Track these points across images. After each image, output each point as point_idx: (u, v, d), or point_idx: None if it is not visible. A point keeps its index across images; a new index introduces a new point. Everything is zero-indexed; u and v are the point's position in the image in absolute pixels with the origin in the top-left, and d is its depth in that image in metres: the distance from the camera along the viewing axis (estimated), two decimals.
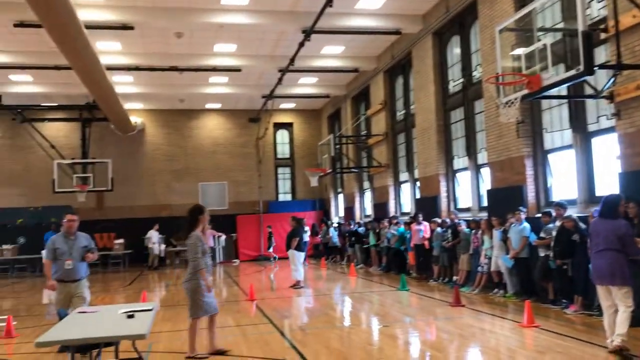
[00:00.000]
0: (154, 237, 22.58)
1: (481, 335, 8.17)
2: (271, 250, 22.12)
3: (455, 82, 15.11)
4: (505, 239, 11.15)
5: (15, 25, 14.11)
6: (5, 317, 9.61)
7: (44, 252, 20.73)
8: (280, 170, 27.31)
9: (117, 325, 5.03)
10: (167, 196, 25.39)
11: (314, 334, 8.51)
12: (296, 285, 14.08)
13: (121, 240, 23.46)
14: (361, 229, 19.46)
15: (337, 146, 19.71)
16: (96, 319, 5.36)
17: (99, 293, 15.47)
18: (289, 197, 27.23)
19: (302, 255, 14.49)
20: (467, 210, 14.39)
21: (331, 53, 18.61)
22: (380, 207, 19.17)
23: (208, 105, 25.45)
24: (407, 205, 18.08)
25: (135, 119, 24.35)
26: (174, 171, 25.58)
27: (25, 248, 22.17)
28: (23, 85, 20.33)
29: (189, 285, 7.06)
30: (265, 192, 26.25)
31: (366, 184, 21.79)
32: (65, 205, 23.91)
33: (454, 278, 13.19)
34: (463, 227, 12.86)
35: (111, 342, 5.01)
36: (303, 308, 11.43)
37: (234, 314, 10.61)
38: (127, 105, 23.09)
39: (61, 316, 5.57)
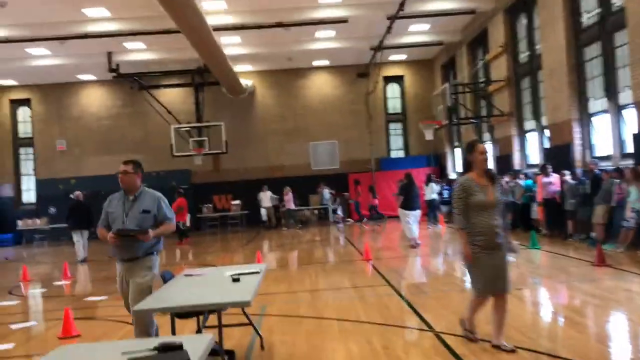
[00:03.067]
0: (264, 198, 22.70)
1: (631, 300, 6.99)
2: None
3: (589, 14, 13.26)
4: None
5: None
6: None
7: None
8: (391, 125, 26.30)
9: (221, 290, 4.58)
10: (279, 157, 25.38)
11: (436, 297, 7.76)
12: (411, 244, 13.33)
13: (238, 202, 23.86)
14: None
15: (453, 96, 18.35)
16: (200, 282, 4.97)
17: (218, 252, 15.71)
18: (401, 154, 26.24)
19: (410, 213, 13.26)
20: (607, 158, 12.73)
21: None
22: (504, 160, 17.72)
23: (315, 63, 24.87)
24: (534, 156, 16.52)
25: (245, 82, 24.35)
26: (284, 131, 25.45)
27: None
28: (137, 53, 20.84)
29: (459, 250, 5.49)
30: (377, 149, 25.42)
31: (486, 136, 20.27)
32: (184, 169, 24.74)
33: (592, 234, 11.77)
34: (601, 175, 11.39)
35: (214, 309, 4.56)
36: (421, 268, 10.68)
37: (350, 275, 10.08)
38: (237, 68, 23.05)
39: (165, 279, 5.23)
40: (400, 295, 7.94)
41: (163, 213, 5.15)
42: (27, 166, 25.68)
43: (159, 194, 5.26)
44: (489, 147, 19.80)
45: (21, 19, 16.58)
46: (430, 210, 18.64)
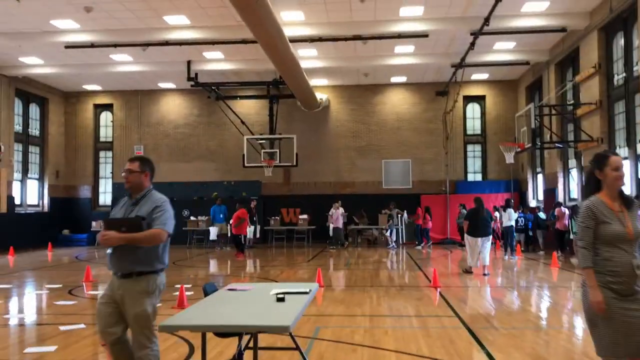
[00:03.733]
0: (334, 214, 22.18)
1: None
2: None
3: None
4: None
5: None
6: (178, 286, 9.45)
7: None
8: (469, 147, 25.21)
9: (261, 310, 4.07)
10: (350, 173, 24.90)
11: (508, 334, 6.93)
12: (465, 271, 12.84)
13: (305, 216, 23.51)
14: (542, 214, 18.75)
15: (538, 118, 17.21)
16: (242, 299, 4.48)
17: (283, 267, 15.31)
18: (479, 177, 25.07)
19: (476, 239, 12.64)
20: None
21: (534, 10, 16.15)
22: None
23: (393, 79, 24.28)
24: (626, 187, 15.12)
25: (320, 96, 24.13)
26: (357, 148, 24.96)
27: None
28: (215, 63, 21.02)
29: (581, 294, 3.92)
30: (453, 171, 24.45)
31: (572, 162, 18.90)
32: (255, 181, 24.72)
33: None
34: None
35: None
36: (494, 301, 9.75)
37: (414, 301, 9.34)
38: (313, 82, 22.90)
39: (206, 292, 4.79)
40: (468, 329, 7.17)
41: (156, 219, 4.28)
42: (105, 169, 26.47)
43: (162, 199, 4.48)
44: (576, 173, 18.48)
45: (105, 25, 17.04)
46: (507, 239, 17.48)
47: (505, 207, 17.34)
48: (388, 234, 21.67)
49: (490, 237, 12.90)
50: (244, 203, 19.25)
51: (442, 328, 7.27)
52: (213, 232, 21.93)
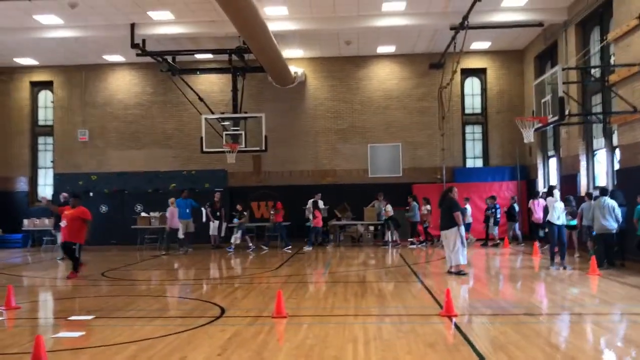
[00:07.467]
0: (312, 208, 18.69)
1: None
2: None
3: None
4: None
5: None
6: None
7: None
8: (468, 128, 21.79)
9: None
10: (331, 160, 21.44)
11: None
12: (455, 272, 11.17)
13: None
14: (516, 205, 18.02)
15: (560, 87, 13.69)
16: None
17: (243, 278, 11.76)
18: (479, 163, 21.69)
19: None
20: None
21: None
22: (628, 174, 13.04)
23: (380, 49, 20.76)
24: None
25: (295, 69, 20.61)
26: (338, 131, 21.46)
27: None
28: (164, 26, 17.31)
29: None
30: (450, 156, 21.04)
31: (598, 142, 15.54)
32: (220, 169, 21.17)
33: None
34: None
35: None
36: (557, 345, 6.17)
37: (416, 355, 5.83)
38: (286, 53, 19.45)
39: None
40: None
41: None
42: (45, 158, 22.70)
43: None
44: (604, 155, 15.13)
45: None
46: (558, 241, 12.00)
47: (547, 195, 12.85)
48: (238, 234, 17.76)
49: (448, 231, 11.24)
50: (78, 198, 12.84)
51: None
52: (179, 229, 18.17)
